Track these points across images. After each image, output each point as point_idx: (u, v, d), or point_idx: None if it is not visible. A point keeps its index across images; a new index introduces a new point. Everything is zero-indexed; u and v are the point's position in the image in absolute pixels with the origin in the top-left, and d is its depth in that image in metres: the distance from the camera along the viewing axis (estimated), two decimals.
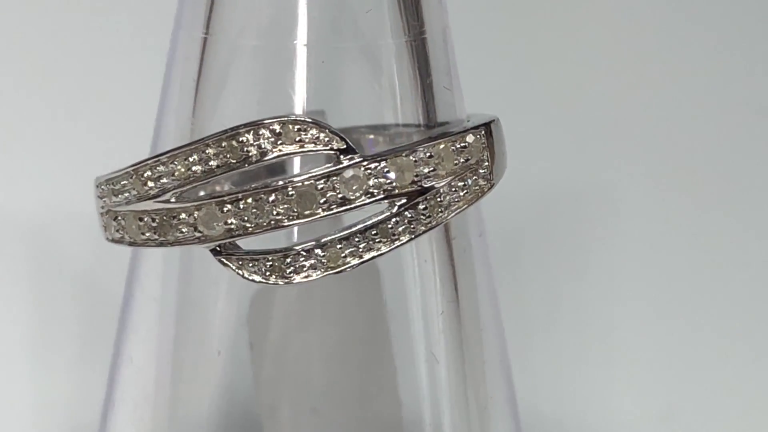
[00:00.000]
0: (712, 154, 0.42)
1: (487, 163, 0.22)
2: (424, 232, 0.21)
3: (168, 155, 0.21)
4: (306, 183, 0.20)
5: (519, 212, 0.39)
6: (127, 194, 0.21)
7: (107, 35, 0.37)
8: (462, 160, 0.21)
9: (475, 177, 0.22)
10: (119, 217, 0.22)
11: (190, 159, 0.21)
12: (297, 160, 0.23)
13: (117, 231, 0.22)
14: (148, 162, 0.21)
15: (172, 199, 0.21)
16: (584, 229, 0.41)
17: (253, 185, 0.20)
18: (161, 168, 0.21)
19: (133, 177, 0.21)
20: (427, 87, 0.23)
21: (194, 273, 0.24)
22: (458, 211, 0.21)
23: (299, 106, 0.22)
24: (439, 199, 0.21)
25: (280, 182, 0.20)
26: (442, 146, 0.21)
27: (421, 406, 0.25)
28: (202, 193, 0.21)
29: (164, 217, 0.21)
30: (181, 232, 0.21)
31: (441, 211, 0.21)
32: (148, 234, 0.21)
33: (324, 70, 0.23)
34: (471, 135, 0.22)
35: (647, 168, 0.41)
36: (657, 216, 0.41)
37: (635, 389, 0.39)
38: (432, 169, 0.21)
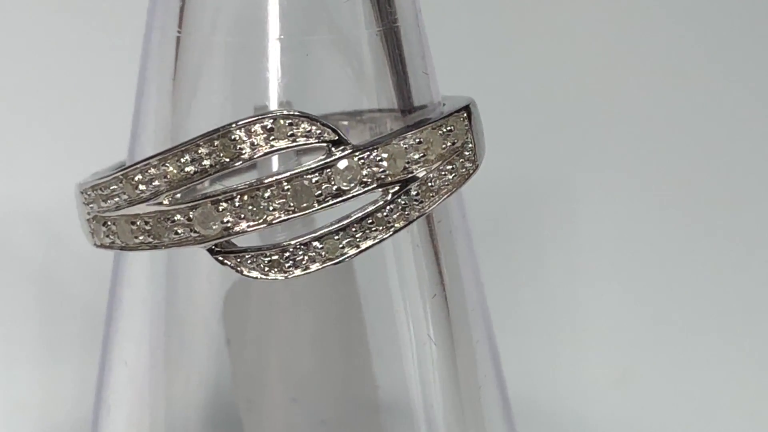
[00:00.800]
0: (675, 141, 0.43)
1: (471, 145, 0.22)
2: (418, 217, 0.21)
3: (158, 158, 0.21)
4: (300, 177, 0.20)
5: (488, 199, 0.39)
6: (117, 199, 0.21)
7: (75, 33, 0.37)
8: (449, 143, 0.22)
9: (461, 160, 0.22)
10: (109, 222, 0.21)
11: (182, 160, 0.20)
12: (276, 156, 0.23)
13: (107, 236, 0.22)
14: (138, 166, 0.21)
15: (166, 201, 0.21)
16: (547, 214, 0.42)
17: (248, 182, 0.20)
18: (152, 171, 0.21)
19: (123, 182, 0.21)
20: (401, 72, 0.23)
21: (180, 272, 0.24)
22: (448, 194, 0.22)
23: (274, 98, 0.22)
24: (430, 184, 0.21)
25: (275, 177, 0.20)
26: (429, 131, 0.21)
27: (412, 389, 0.25)
28: (195, 194, 0.21)
29: (158, 220, 0.21)
30: (177, 234, 0.21)
31: (432, 196, 0.21)
32: (141, 237, 0.21)
33: (299, 62, 0.23)
34: (455, 118, 0.22)
35: (613, 155, 0.42)
36: (619, 202, 0.42)
37: (600, 360, 0.40)
38: (422, 154, 0.21)
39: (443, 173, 0.22)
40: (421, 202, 0.21)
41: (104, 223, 0.22)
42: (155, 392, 0.24)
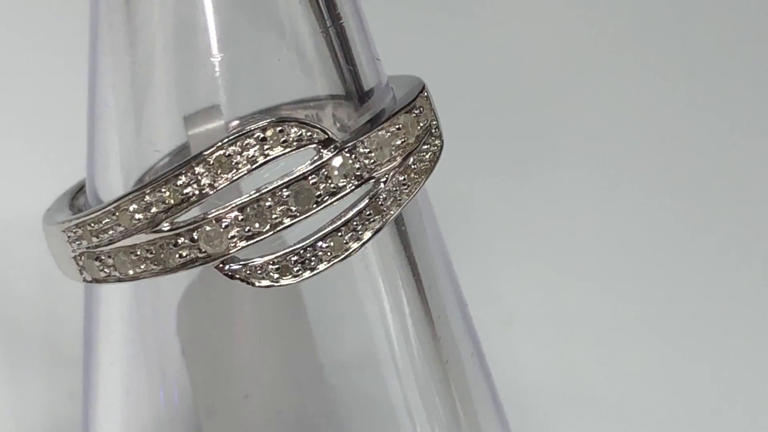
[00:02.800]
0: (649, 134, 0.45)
1: (435, 122, 0.23)
2: (408, 201, 0.22)
3: (152, 185, 0.20)
4: (298, 181, 0.20)
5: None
6: (111, 232, 0.21)
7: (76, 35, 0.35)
8: (421, 125, 0.22)
9: (432, 138, 0.22)
10: (103, 257, 0.21)
11: (179, 183, 0.20)
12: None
13: (101, 270, 0.21)
14: (131, 195, 0.20)
15: (166, 226, 0.20)
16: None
17: (248, 195, 0.20)
18: (148, 198, 0.20)
19: (116, 214, 0.21)
20: (350, 60, 0.23)
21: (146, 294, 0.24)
22: (429, 172, 0.22)
23: (225, 101, 0.22)
24: (413, 167, 0.22)
25: (273, 186, 0.20)
26: (405, 116, 0.22)
27: (363, 370, 0.25)
28: (195, 215, 0.21)
29: (161, 246, 0.20)
30: (182, 256, 0.20)
31: (417, 177, 0.22)
32: (143, 266, 0.21)
33: (244, 63, 0.23)
34: (420, 99, 0.22)
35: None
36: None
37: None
38: (403, 139, 0.22)
39: (422, 154, 0.22)
40: (409, 185, 0.22)
41: (97, 258, 0.21)
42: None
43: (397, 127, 0.22)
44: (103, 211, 0.21)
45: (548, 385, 0.41)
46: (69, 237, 0.21)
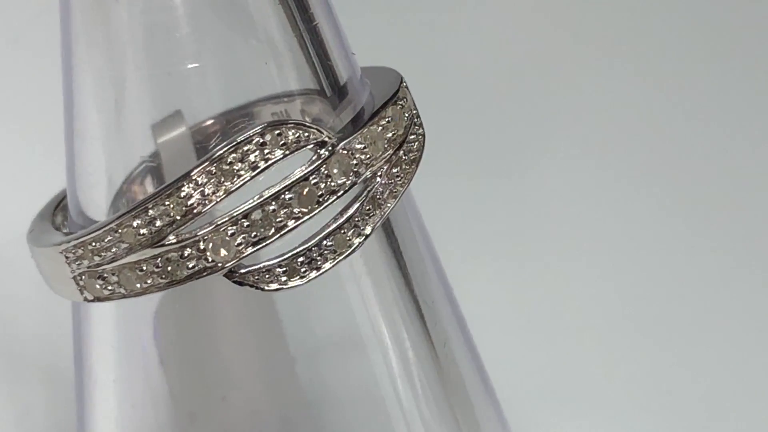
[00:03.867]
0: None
1: (416, 111, 0.23)
2: (403, 192, 0.22)
3: (154, 200, 0.20)
4: (299, 182, 0.21)
5: None
6: (114, 249, 0.20)
7: None
8: (407, 116, 0.22)
9: (416, 127, 0.23)
10: (107, 275, 0.21)
11: (182, 194, 0.20)
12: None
13: (104, 288, 0.21)
14: (132, 212, 0.20)
15: (172, 238, 0.20)
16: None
17: (251, 201, 0.20)
18: (152, 212, 0.20)
19: (119, 231, 0.20)
20: (323, 55, 0.23)
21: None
22: (418, 161, 0.23)
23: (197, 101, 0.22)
24: (404, 158, 0.22)
25: (275, 190, 0.20)
26: (392, 108, 0.22)
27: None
28: (200, 223, 0.21)
29: (167, 259, 0.20)
30: (189, 268, 0.20)
31: (408, 168, 0.22)
32: (150, 280, 0.21)
33: (217, 62, 0.22)
34: (403, 90, 0.23)
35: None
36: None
37: None
38: (393, 132, 0.22)
39: (410, 144, 0.22)
40: (402, 176, 0.22)
41: (99, 277, 0.21)
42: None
43: (386, 120, 0.22)
44: (104, 229, 0.20)
45: (547, 384, 0.42)
46: (68, 258, 0.21)
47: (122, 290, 0.21)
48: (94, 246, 0.21)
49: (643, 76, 0.46)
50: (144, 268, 0.20)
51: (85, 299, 0.21)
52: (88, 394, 0.25)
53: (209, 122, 0.22)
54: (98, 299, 0.21)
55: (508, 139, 0.45)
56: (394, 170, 0.22)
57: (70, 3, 0.21)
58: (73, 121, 0.22)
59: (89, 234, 0.21)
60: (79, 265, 0.21)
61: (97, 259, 0.21)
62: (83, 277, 0.21)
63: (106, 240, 0.20)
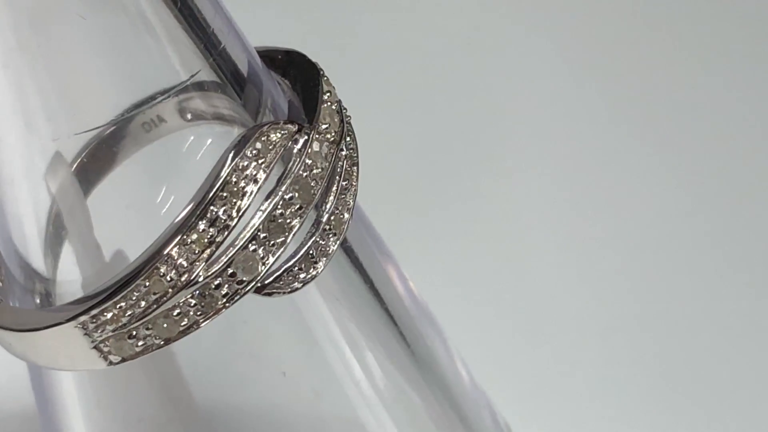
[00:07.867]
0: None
1: (338, 99, 0.23)
2: (358, 170, 0.23)
3: (171, 242, 0.20)
4: (296, 178, 0.21)
5: None
6: (143, 303, 0.20)
7: None
8: (335, 99, 0.23)
9: (344, 112, 0.23)
10: (141, 327, 0.20)
11: (201, 229, 0.20)
12: None
13: (135, 345, 0.20)
14: (155, 260, 0.20)
15: (201, 275, 0.20)
16: None
17: (262, 212, 0.20)
18: (175, 254, 0.20)
19: (149, 284, 0.20)
20: (210, 43, 0.23)
21: None
22: (356, 149, 0.23)
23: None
24: (348, 142, 0.23)
25: (278, 194, 0.21)
26: (325, 84, 0.23)
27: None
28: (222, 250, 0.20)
29: (203, 296, 0.20)
30: (225, 295, 0.20)
31: (353, 149, 0.23)
32: (186, 320, 0.20)
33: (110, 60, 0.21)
34: (325, 80, 0.23)
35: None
36: None
37: None
38: (336, 106, 0.22)
39: (348, 129, 0.23)
40: (355, 155, 0.23)
41: (131, 335, 0.20)
42: None
43: (328, 94, 0.22)
44: (128, 288, 0.20)
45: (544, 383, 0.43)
46: (87, 329, 0.20)
47: (159, 341, 0.20)
48: (123, 305, 0.20)
49: (619, 76, 0.48)
50: (178, 311, 0.20)
51: (111, 363, 0.21)
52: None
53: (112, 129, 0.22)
54: (127, 358, 0.20)
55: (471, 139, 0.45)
56: (343, 153, 0.22)
57: None
58: None
59: (114, 296, 0.20)
60: (102, 331, 0.20)
61: (124, 319, 0.20)
62: (108, 341, 0.20)
63: (133, 296, 0.20)
